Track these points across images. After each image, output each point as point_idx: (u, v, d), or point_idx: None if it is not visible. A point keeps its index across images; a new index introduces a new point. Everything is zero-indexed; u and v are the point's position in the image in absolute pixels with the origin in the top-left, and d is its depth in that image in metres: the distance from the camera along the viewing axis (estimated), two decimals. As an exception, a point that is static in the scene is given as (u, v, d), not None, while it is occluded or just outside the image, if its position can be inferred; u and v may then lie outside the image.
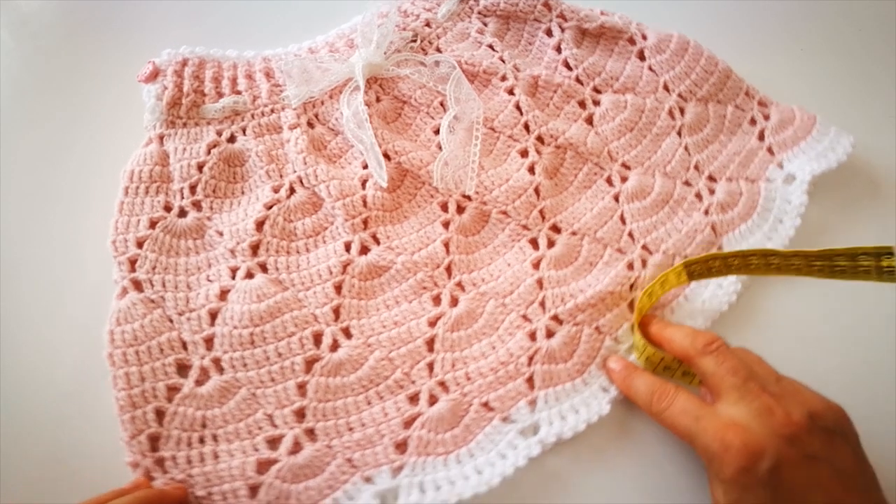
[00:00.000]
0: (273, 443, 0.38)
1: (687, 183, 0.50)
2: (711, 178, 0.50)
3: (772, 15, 0.57)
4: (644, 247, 0.47)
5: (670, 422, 0.37)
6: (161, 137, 0.44)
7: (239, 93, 0.46)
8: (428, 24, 0.51)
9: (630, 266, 0.46)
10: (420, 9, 0.52)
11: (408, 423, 0.40)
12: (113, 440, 0.38)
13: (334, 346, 0.41)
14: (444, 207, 0.46)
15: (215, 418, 0.38)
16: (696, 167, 0.50)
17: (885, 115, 0.52)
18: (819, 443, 0.33)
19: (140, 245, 0.41)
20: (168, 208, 0.43)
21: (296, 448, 0.38)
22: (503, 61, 0.50)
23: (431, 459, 0.39)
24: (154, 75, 0.45)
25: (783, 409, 0.34)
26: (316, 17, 0.52)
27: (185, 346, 0.40)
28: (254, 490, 0.36)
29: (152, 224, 0.42)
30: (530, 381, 0.42)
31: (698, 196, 0.49)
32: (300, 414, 0.39)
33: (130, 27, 0.52)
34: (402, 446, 0.39)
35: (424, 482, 0.38)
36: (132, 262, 0.41)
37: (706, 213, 0.49)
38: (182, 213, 0.43)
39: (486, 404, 0.41)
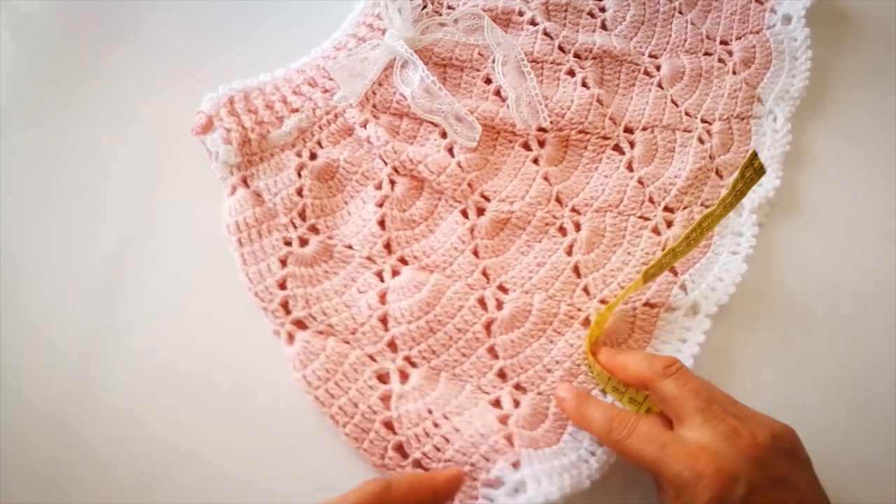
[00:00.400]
0: (496, 404, 0.40)
1: (707, 53, 0.54)
2: (724, 42, 0.54)
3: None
4: (702, 119, 0.50)
5: (633, 451, 0.34)
6: (244, 180, 0.43)
7: (296, 110, 0.45)
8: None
9: (700, 140, 0.49)
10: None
11: (593, 345, 0.42)
12: (112, 440, 0.39)
13: (499, 305, 0.42)
14: (527, 146, 0.47)
15: (437, 400, 0.39)
16: (708, 37, 0.54)
17: (886, 114, 0.53)
18: (783, 465, 0.33)
19: (282, 287, 0.41)
20: (288, 242, 0.42)
21: (516, 404, 0.40)
22: (511, -2, 0.52)
23: None
24: (209, 124, 0.43)
25: (749, 431, 0.33)
26: (315, 15, 0.51)
27: (372, 358, 0.40)
28: (509, 439, 0.38)
29: (283, 263, 0.41)
30: (672, 270, 0.45)
31: (721, 61, 0.53)
32: (502, 375, 0.41)
33: (130, 27, 0.51)
34: (598, 366, 0.42)
35: (633, 387, 0.41)
36: (284, 306, 0.40)
37: (734, 73, 0.53)
38: (303, 243, 0.42)
39: (647, 303, 0.44)
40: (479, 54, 0.49)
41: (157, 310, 0.42)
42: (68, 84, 0.49)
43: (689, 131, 0.50)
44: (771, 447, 0.33)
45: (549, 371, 0.41)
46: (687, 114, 0.50)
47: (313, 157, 0.44)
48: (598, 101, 0.49)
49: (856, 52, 0.56)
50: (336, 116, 0.45)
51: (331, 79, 0.46)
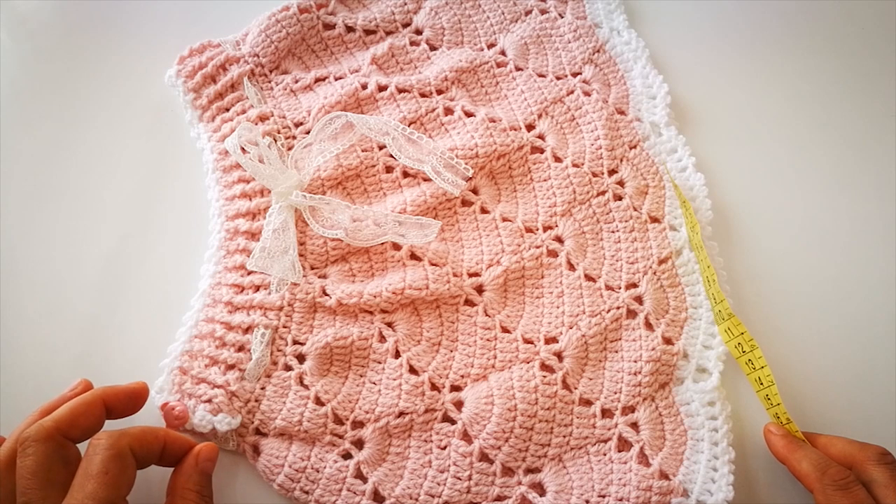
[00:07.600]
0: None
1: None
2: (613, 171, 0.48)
3: (772, 15, 0.56)
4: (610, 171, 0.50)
5: None
6: (258, 431, 0.37)
7: (249, 328, 0.39)
8: (262, 119, 0.46)
9: (618, 196, 0.50)
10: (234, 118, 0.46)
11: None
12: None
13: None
14: (466, 202, 0.45)
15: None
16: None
17: (885, 114, 0.52)
18: None
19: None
20: (347, 456, 0.37)
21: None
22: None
23: None
24: (183, 414, 0.37)
25: None
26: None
27: None
28: None
29: (360, 475, 0.37)
30: (668, 341, 0.46)
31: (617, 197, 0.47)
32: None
33: (129, 27, 0.52)
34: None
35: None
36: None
37: (605, 101, 0.50)
38: (360, 444, 0.38)
39: (662, 385, 0.44)
40: (363, 150, 0.45)
41: (157, 308, 0.42)
42: (67, 83, 0.49)
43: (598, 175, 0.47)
44: None
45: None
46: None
47: (301, 358, 0.39)
48: (490, 119, 0.47)
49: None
50: (292, 303, 0.40)
51: (256, 274, 0.41)
